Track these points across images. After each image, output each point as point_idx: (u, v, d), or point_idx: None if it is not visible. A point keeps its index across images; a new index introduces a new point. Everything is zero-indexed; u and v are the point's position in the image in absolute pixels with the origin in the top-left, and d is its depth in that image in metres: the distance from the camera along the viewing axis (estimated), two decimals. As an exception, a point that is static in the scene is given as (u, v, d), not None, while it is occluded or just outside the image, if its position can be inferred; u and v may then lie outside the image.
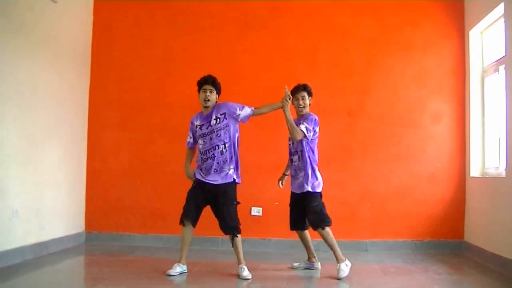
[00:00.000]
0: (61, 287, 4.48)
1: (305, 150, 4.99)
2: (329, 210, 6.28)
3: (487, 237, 5.52)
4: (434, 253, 6.03)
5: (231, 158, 4.92)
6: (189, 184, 5.02)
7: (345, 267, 4.83)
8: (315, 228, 4.92)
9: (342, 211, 6.32)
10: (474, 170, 6.09)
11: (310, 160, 5.00)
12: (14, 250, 5.04)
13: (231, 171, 4.89)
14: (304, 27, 6.56)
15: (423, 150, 6.34)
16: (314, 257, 5.23)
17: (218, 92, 5.04)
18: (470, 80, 6.18)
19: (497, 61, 5.65)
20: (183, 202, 5.31)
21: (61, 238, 5.96)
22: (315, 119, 5.08)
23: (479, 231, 5.80)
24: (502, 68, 5.48)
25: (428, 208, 6.23)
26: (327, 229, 4.89)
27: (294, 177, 5.11)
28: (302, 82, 6.48)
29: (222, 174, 4.86)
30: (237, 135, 5.01)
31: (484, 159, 6.04)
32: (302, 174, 4.98)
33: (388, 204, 6.30)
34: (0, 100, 4.90)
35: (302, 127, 4.97)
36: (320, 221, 4.88)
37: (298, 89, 5.18)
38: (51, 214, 5.77)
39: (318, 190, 4.98)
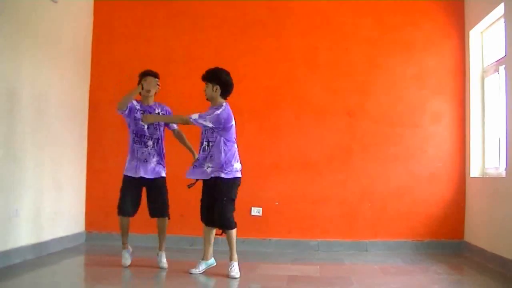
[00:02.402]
0: (61, 287, 4.48)
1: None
2: (329, 210, 6.34)
3: (487, 237, 5.52)
4: (434, 253, 6.03)
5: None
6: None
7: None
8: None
9: (342, 211, 6.34)
10: (474, 170, 6.09)
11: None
12: (14, 250, 5.04)
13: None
14: (304, 27, 6.56)
15: (423, 150, 6.34)
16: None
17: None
18: (470, 80, 6.18)
19: (497, 61, 5.64)
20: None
21: (61, 238, 5.96)
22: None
23: (479, 231, 5.80)
24: (502, 68, 5.47)
25: (428, 208, 6.23)
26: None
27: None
28: (302, 81, 6.52)
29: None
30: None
31: (484, 159, 6.04)
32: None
33: (388, 204, 6.30)
34: (1, 100, 4.90)
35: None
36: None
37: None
38: (51, 214, 5.77)
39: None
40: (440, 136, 6.36)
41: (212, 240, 4.94)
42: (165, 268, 5.03)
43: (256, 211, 6.31)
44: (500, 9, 5.37)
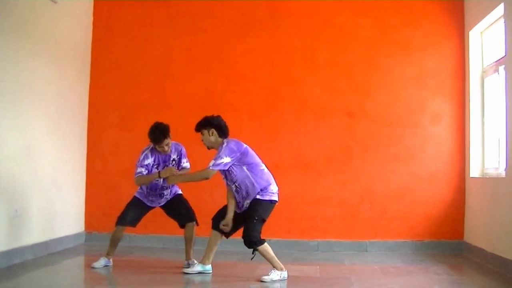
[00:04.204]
0: (61, 288, 4.49)
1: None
2: (329, 210, 6.33)
3: (487, 238, 5.52)
4: (434, 253, 6.03)
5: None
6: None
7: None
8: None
9: (342, 212, 6.34)
10: (474, 171, 6.08)
11: None
12: (14, 250, 5.04)
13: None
14: (304, 27, 6.56)
15: (423, 150, 6.34)
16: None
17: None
18: (470, 81, 6.18)
19: (497, 61, 5.64)
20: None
21: (61, 238, 5.96)
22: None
23: (479, 231, 5.80)
24: (502, 68, 5.47)
25: (428, 209, 6.23)
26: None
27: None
28: (302, 82, 6.51)
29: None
30: None
31: (484, 160, 6.04)
32: None
33: (388, 204, 6.29)
34: (0, 100, 4.90)
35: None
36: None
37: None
38: (51, 214, 5.77)
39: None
40: (440, 136, 6.36)
41: (215, 247, 4.90)
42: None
43: (256, 211, 6.29)
44: (499, 10, 5.37)
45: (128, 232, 6.41)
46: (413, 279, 4.89)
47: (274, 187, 4.77)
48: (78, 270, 5.35)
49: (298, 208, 6.36)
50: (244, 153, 4.71)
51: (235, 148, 4.67)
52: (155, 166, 5.01)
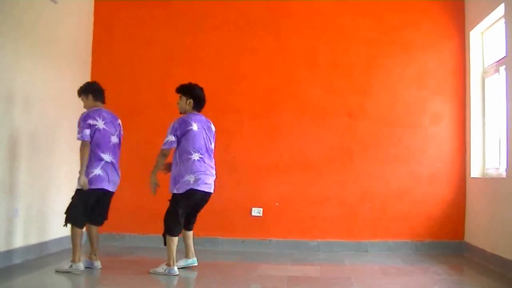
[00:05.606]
0: (61, 288, 4.48)
1: None
2: (330, 210, 6.33)
3: (487, 238, 5.52)
4: (434, 253, 6.03)
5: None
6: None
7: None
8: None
9: (342, 212, 6.33)
10: (475, 171, 6.08)
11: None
12: (15, 250, 5.03)
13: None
14: (304, 27, 6.56)
15: (423, 150, 6.34)
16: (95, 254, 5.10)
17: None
18: (470, 81, 6.18)
19: (497, 61, 5.64)
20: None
21: (62, 238, 5.94)
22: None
23: (479, 231, 5.80)
24: (502, 68, 5.47)
25: (428, 209, 6.23)
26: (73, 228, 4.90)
27: None
28: (302, 82, 6.52)
29: None
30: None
31: (485, 160, 6.04)
32: None
33: (388, 204, 6.29)
34: (0, 101, 4.89)
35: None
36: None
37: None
38: (51, 215, 5.75)
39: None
40: (440, 136, 6.35)
41: (187, 242, 5.04)
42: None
43: (256, 211, 6.30)
44: (500, 10, 5.37)
45: (128, 232, 6.45)
46: (414, 279, 4.89)
47: (191, 177, 4.71)
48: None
49: (298, 209, 6.36)
50: (183, 134, 4.76)
51: (177, 126, 4.79)
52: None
